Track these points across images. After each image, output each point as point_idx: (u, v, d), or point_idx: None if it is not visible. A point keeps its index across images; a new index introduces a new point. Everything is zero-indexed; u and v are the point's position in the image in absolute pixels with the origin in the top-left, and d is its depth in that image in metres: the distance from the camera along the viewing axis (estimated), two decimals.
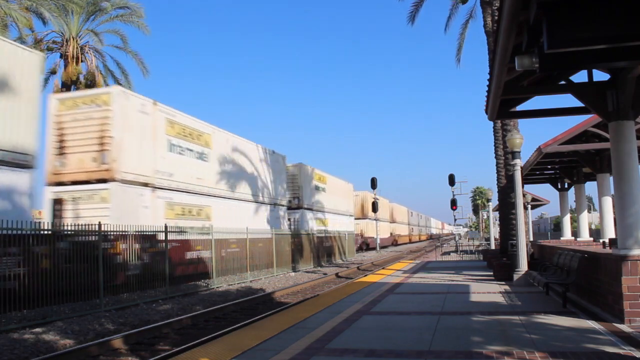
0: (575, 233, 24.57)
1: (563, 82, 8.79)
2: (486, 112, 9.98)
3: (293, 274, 24.97)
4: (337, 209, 40.63)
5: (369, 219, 51.17)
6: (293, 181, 32.28)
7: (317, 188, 35.83)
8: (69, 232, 13.03)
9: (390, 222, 62.35)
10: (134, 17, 29.78)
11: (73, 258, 12.64)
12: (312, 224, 33.90)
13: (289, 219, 30.85)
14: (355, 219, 48.54)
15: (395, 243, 63.48)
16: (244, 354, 6.17)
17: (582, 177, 20.05)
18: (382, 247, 52.49)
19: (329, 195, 38.56)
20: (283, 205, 29.31)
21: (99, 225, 13.37)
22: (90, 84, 27.98)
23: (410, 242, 78.93)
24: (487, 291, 11.61)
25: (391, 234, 61.50)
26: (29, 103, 13.15)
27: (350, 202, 46.03)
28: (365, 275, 19.37)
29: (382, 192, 51.66)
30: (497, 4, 16.79)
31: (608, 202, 16.10)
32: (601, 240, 16.12)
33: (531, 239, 24.62)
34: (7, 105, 12.51)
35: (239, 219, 22.76)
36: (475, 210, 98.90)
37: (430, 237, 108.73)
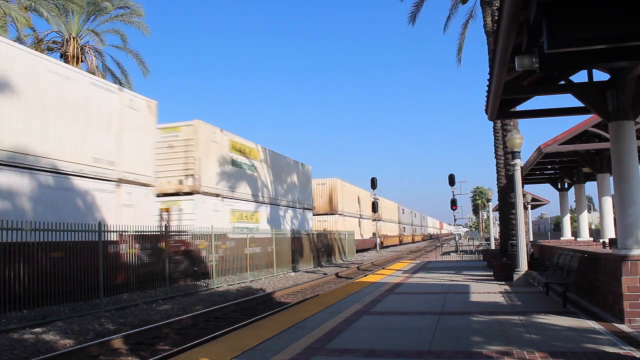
0: (575, 233, 24.57)
1: (563, 82, 8.80)
2: (486, 112, 9.99)
3: (293, 274, 24.98)
4: (277, 199, 29.19)
5: (339, 214, 41.68)
6: (186, 149, 20.96)
7: (235, 164, 24.20)
8: None
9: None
10: (134, 17, 29.87)
11: None
12: (222, 217, 22.24)
13: (166, 211, 20.55)
14: (319, 214, 39.14)
15: (380, 245, 51.69)
16: (244, 354, 6.17)
17: (582, 177, 20.06)
18: (363, 250, 45.68)
19: (262, 176, 27.42)
20: (147, 185, 17.79)
21: None
22: None
23: (401, 243, 68.67)
24: (487, 291, 11.61)
25: (374, 234, 51.51)
26: None
27: (306, 190, 34.66)
28: (365, 275, 19.36)
29: (379, 191, 48.63)
30: (497, 4, 16.79)
31: (608, 202, 16.10)
32: (601, 240, 16.11)
33: (531, 239, 24.62)
34: None
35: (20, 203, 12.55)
36: (475, 210, 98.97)
37: (429, 237, 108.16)
